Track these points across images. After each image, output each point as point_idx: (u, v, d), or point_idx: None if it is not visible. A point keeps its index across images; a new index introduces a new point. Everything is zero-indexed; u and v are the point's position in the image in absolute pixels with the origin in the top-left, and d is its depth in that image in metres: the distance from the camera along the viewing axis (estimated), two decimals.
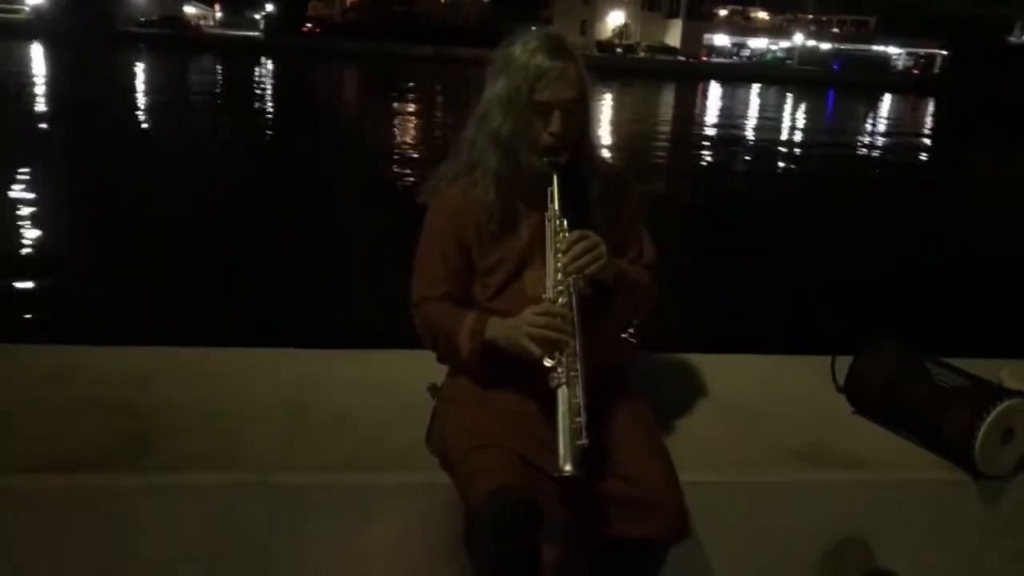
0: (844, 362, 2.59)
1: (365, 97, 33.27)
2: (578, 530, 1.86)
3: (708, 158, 18.76)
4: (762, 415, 2.49)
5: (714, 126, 26.96)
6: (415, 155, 17.61)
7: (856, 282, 8.56)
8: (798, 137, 26.16)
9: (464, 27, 60.49)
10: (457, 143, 2.01)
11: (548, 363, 1.75)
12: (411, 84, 37.13)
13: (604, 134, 22.80)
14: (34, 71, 32.50)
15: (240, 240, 9.00)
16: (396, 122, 23.60)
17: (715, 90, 45.94)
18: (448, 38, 55.02)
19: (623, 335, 2.21)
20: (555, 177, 1.86)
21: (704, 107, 35.63)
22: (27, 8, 62.02)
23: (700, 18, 70.70)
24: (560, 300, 1.78)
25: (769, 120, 31.03)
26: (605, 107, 32.21)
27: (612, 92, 37.68)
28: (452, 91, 36.59)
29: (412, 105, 28.89)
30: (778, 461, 2.24)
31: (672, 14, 69.65)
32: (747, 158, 20.02)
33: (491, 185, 1.92)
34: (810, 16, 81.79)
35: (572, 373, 1.72)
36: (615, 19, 68.51)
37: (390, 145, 18.79)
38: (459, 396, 2.00)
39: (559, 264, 1.80)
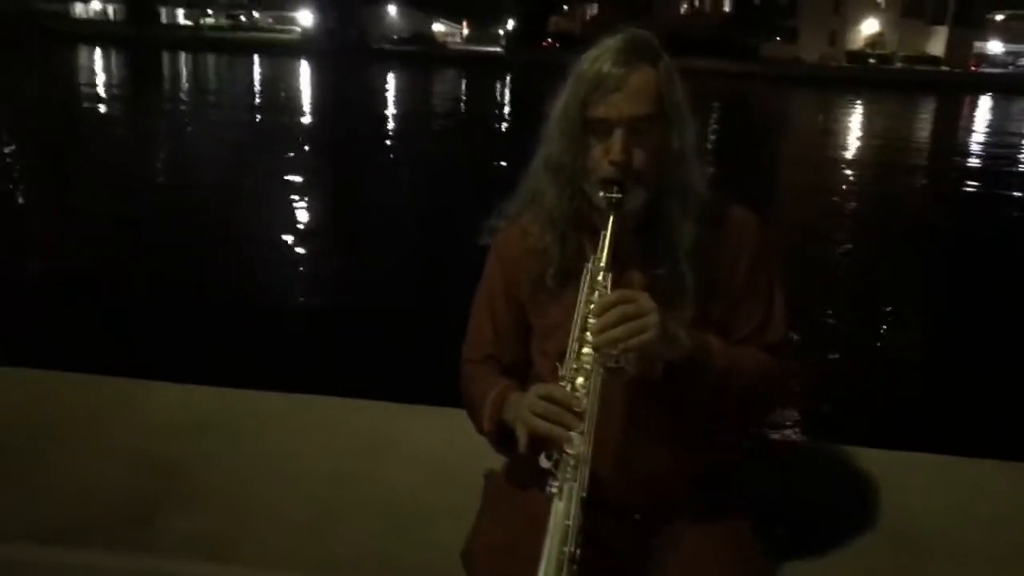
0: None
1: None
2: None
3: (972, 185, 16.31)
4: (946, 548, 1.80)
5: (982, 145, 23.86)
6: None
7: None
8: None
9: (703, 38, 59.00)
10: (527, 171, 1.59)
11: (544, 464, 1.30)
12: None
13: (848, 151, 20.99)
14: (300, 84, 35.75)
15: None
16: None
17: (985, 104, 41.22)
18: (686, 49, 53.94)
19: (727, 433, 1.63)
20: (611, 217, 1.40)
21: (971, 124, 31.90)
22: (298, 29, 68.68)
23: (969, 24, 64.00)
24: (577, 380, 1.32)
25: None
26: (852, 122, 29.95)
27: (861, 105, 35.01)
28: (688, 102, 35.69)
29: None
30: None
31: (936, 20, 63.39)
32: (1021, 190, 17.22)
33: (547, 226, 1.53)
34: None
35: (570, 482, 1.26)
36: (869, 27, 63.78)
37: None
38: (500, 494, 1.64)
39: (586, 334, 1.35)
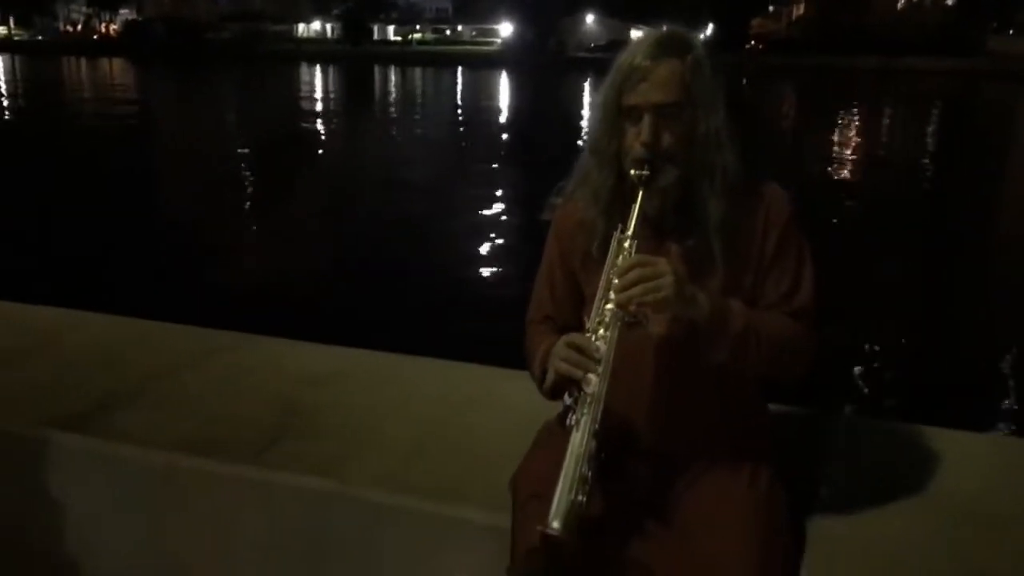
0: None
1: (802, 111, 31.75)
2: None
3: None
4: (988, 515, 1.76)
5: None
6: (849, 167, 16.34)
7: None
8: None
9: (919, 36, 54.93)
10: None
11: (567, 401, 1.56)
12: (853, 99, 34.51)
13: None
14: (500, 93, 37.14)
15: None
16: (835, 138, 21.98)
17: None
18: (901, 48, 50.52)
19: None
20: (640, 192, 1.58)
21: None
22: (498, 41, 71.07)
23: None
24: (600, 332, 1.50)
25: None
26: None
27: None
28: (900, 104, 33.36)
29: (855, 120, 26.68)
30: None
31: None
32: None
33: (591, 202, 1.70)
34: None
35: (586, 416, 1.45)
36: None
37: (823, 163, 17.24)
38: (547, 436, 1.80)
39: (610, 292, 1.52)
